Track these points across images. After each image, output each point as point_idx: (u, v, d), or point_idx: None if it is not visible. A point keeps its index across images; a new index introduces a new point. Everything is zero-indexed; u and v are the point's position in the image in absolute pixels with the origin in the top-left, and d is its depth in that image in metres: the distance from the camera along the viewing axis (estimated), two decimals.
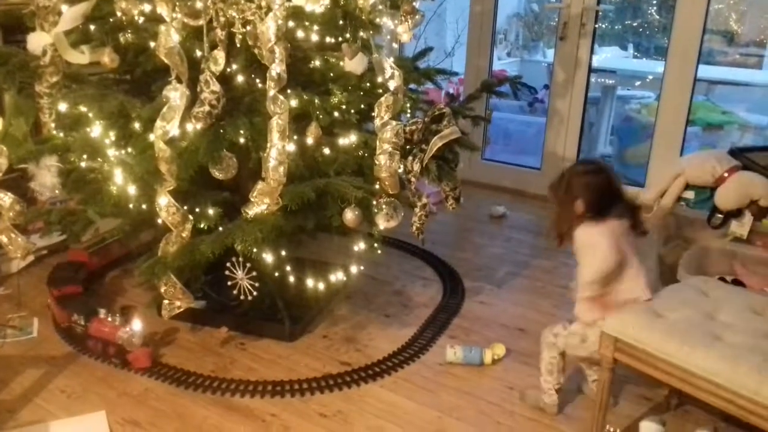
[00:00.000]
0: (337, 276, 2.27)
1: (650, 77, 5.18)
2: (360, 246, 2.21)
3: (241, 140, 2.02)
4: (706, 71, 4.95)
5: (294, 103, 2.10)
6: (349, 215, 2.03)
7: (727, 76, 5.36)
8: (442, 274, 3.02)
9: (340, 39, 2.25)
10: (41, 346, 2.34)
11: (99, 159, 1.99)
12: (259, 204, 1.97)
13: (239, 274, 1.99)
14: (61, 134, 2.12)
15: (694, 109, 4.12)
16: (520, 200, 4.03)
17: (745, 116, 4.77)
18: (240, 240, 1.83)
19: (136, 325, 2.24)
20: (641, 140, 4.62)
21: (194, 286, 2.30)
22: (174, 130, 1.94)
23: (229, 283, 2.04)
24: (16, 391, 2.07)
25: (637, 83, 5.11)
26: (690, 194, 2.39)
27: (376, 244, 2.26)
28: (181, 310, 2.10)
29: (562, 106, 3.86)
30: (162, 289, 2.00)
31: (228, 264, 1.98)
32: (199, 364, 2.26)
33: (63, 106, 2.04)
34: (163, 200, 1.92)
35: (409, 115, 2.46)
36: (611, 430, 1.90)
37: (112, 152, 1.97)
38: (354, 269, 2.30)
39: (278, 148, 1.96)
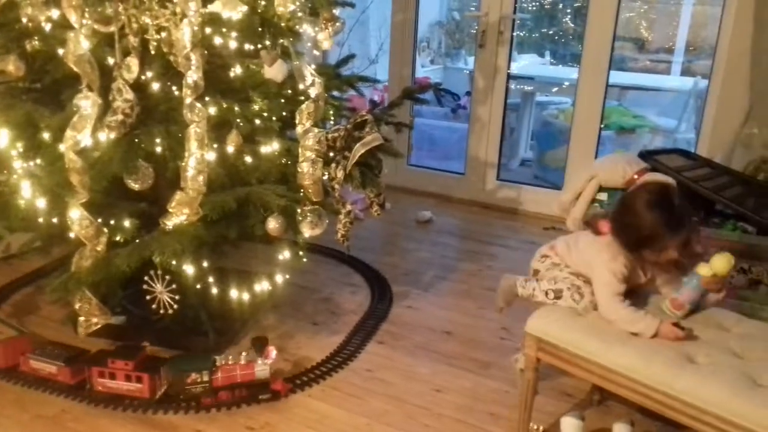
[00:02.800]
0: (262, 286, 2.24)
1: (566, 83, 5.37)
2: (285, 254, 2.19)
3: (158, 149, 1.97)
4: (618, 77, 5.18)
5: (213, 110, 2.06)
6: (273, 224, 2.00)
7: (638, 82, 5.62)
8: (370, 279, 3.03)
9: (259, 46, 2.23)
10: None
11: (5, 171, 1.89)
12: (178, 214, 1.93)
13: (158, 287, 1.93)
14: None
15: (607, 113, 4.30)
16: (445, 205, 4.09)
17: (655, 120, 5.01)
18: (158, 252, 1.78)
19: (273, 353, 2.19)
20: (559, 144, 4.78)
21: (113, 301, 2.22)
22: (86, 140, 1.88)
23: (148, 297, 1.98)
24: None
25: (554, 89, 5.29)
26: (603, 196, 2.49)
27: (301, 253, 2.24)
28: (99, 326, 2.02)
29: (483, 112, 3.94)
30: (77, 306, 1.92)
31: (146, 278, 1.92)
32: None
33: None
34: (75, 213, 1.84)
35: (332, 123, 2.46)
36: (535, 428, 1.95)
37: (19, 164, 1.88)
38: (279, 278, 2.27)
39: (197, 157, 1.92)
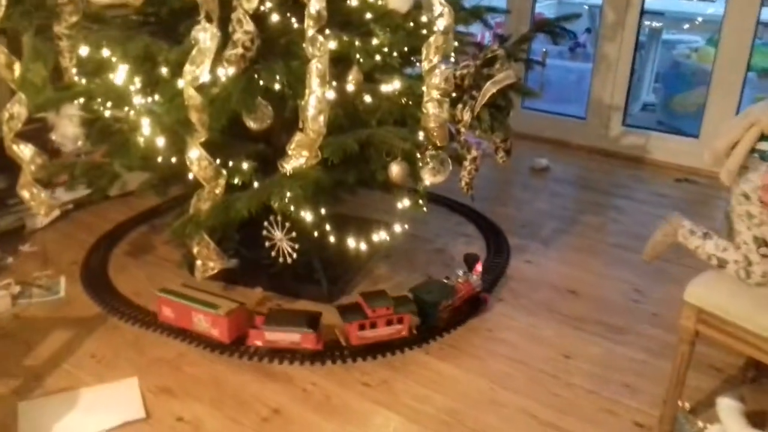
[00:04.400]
0: (378, 235, 2.11)
1: (699, 19, 4.86)
2: (404, 203, 2.04)
3: (277, 86, 1.84)
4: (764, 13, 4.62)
5: (333, 45, 1.90)
6: (395, 169, 1.85)
7: None
8: (485, 230, 2.85)
9: None
10: (69, 306, 2.23)
11: (124, 108, 1.82)
12: (297, 157, 1.81)
13: (277, 234, 1.84)
14: (84, 80, 1.95)
15: None
16: (563, 151, 3.81)
17: None
18: (277, 197, 1.67)
19: (480, 267, 2.26)
20: (690, 87, 4.35)
21: (226, 244, 2.16)
22: (204, 75, 1.77)
23: (267, 243, 1.89)
24: (43, 356, 1.97)
25: (686, 26, 4.78)
26: (765, 146, 2.17)
27: (421, 201, 2.09)
28: (215, 271, 1.96)
29: (610, 51, 3.60)
30: (194, 250, 1.85)
31: (266, 224, 1.82)
32: None
33: (84, 50, 1.87)
34: (194, 153, 1.76)
35: (453, 59, 2.25)
36: (682, 405, 1.75)
37: (138, 100, 1.80)
38: (397, 228, 2.13)
39: (318, 96, 1.78)
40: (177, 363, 1.96)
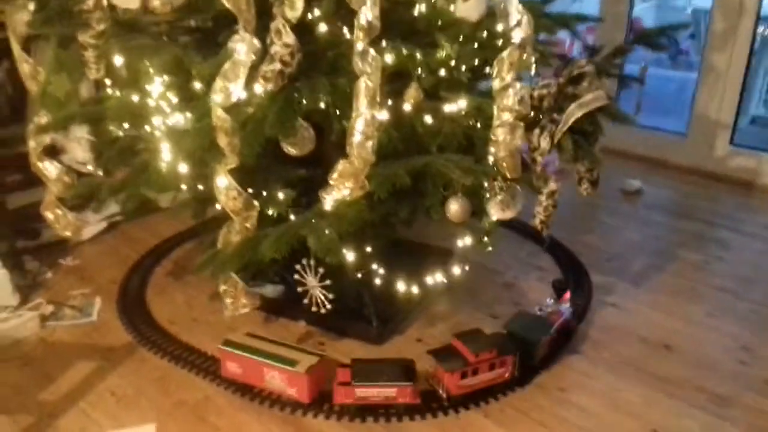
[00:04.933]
0: (435, 277, 1.84)
1: None
2: (466, 241, 1.75)
3: (321, 106, 1.59)
4: None
5: (389, 58, 1.64)
6: (454, 207, 1.58)
7: None
8: (563, 263, 2.52)
9: None
10: (99, 332, 2.07)
11: (144, 126, 1.63)
12: (340, 188, 1.56)
13: (310, 279, 1.60)
14: (117, 93, 1.78)
15: None
16: (658, 172, 3.40)
17: None
18: (312, 238, 1.42)
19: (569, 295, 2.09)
20: None
21: (272, 268, 1.95)
22: (238, 92, 1.55)
23: (300, 289, 1.66)
24: (61, 390, 1.81)
25: None
26: None
27: (487, 238, 1.80)
28: (248, 310, 1.75)
29: (719, 61, 3.16)
30: (221, 289, 1.64)
31: (298, 267, 1.59)
32: None
33: (117, 60, 1.69)
34: (222, 181, 1.54)
35: (533, 74, 1.94)
36: None
37: (157, 120, 1.60)
38: (457, 269, 1.86)
39: (366, 119, 1.53)
40: (201, 410, 1.75)
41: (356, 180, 1.55)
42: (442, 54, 1.76)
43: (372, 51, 1.53)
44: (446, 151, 1.71)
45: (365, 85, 1.51)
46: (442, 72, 1.78)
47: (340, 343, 2.02)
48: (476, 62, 1.80)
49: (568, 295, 2.09)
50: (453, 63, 1.78)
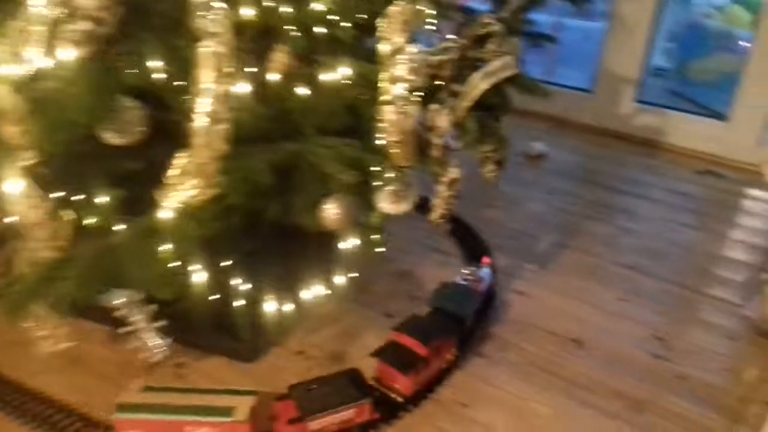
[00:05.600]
0: (312, 291, 1.52)
1: None
2: (350, 243, 1.44)
3: (154, 78, 1.20)
4: None
5: (247, 12, 1.27)
6: (331, 211, 1.25)
7: None
8: (466, 244, 2.26)
9: None
10: None
11: None
12: (181, 190, 1.19)
13: (139, 319, 1.24)
14: None
15: None
16: (563, 132, 3.20)
17: None
18: (136, 268, 1.06)
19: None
20: (709, 52, 3.74)
21: None
22: (38, 60, 1.13)
23: (121, 331, 1.29)
24: None
25: None
26: None
27: (376, 237, 1.49)
28: (70, 343, 1.36)
29: (629, 10, 2.95)
30: (26, 328, 1.25)
31: (117, 302, 1.22)
32: (108, 398, 1.52)
33: None
34: (15, 185, 1.13)
35: (432, 35, 1.61)
36: None
37: None
38: (341, 278, 1.54)
39: (214, 95, 1.15)
40: None
41: (204, 177, 1.18)
42: (317, 7, 1.41)
43: (219, 2, 1.15)
44: (327, 134, 1.38)
45: (209, 51, 1.13)
46: (320, 30, 1.42)
47: (205, 363, 1.68)
48: (364, 16, 1.46)
49: (488, 259, 1.96)
50: (332, 19, 1.43)
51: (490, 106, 1.39)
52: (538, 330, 1.88)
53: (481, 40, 1.40)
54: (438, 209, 1.45)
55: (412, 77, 1.28)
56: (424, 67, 1.30)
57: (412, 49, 1.29)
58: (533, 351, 1.80)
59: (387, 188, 1.40)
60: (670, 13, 4.25)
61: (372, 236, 1.46)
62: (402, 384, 1.54)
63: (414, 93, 1.29)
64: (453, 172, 1.43)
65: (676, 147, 2.98)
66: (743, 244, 2.33)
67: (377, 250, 1.47)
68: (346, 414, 1.42)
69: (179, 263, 1.18)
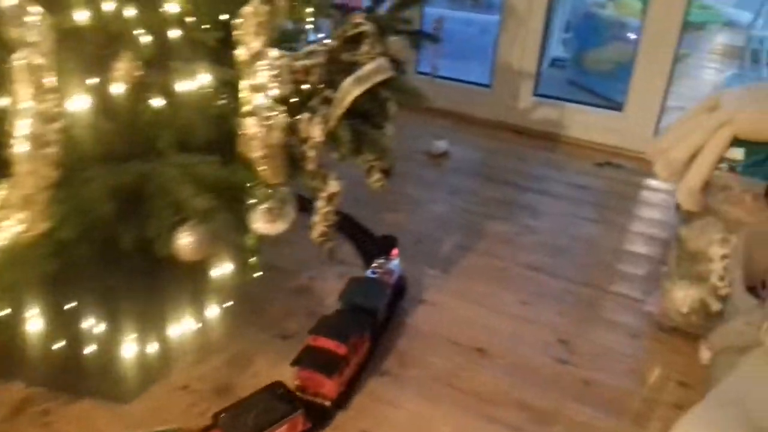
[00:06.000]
0: (185, 322, 1.37)
1: None
2: (222, 269, 1.29)
3: None
4: None
5: (80, 16, 1.10)
6: (184, 241, 1.10)
7: None
8: (367, 252, 2.15)
9: None
10: None
11: None
12: (5, 227, 1.01)
13: None
14: None
15: None
16: (465, 128, 3.14)
17: (729, 12, 3.96)
18: None
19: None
20: (604, 42, 3.79)
21: None
22: None
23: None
24: None
25: None
26: (739, 153, 1.58)
27: (251, 261, 1.35)
28: None
29: (519, 1, 2.91)
30: None
31: None
32: None
33: None
34: None
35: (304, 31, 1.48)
36: None
37: None
38: (213, 310, 1.40)
39: (35, 115, 0.99)
40: None
41: (31, 210, 1.01)
42: (170, 6, 1.26)
43: (35, 7, 0.98)
44: (188, 150, 1.23)
45: (25, 62, 0.96)
46: (174, 32, 1.27)
47: (74, 407, 1.50)
48: (226, 16, 1.32)
49: (396, 251, 1.93)
50: (188, 20, 1.28)
51: (366, 113, 1.27)
52: (442, 341, 1.79)
53: (353, 42, 1.28)
54: (318, 227, 1.33)
55: (274, 85, 1.15)
56: (288, 73, 1.17)
57: (273, 53, 1.16)
58: (437, 364, 1.70)
59: (260, 207, 1.26)
60: (566, 4, 4.30)
61: (248, 259, 1.32)
62: (328, 387, 1.50)
63: (279, 102, 1.16)
64: (332, 186, 1.30)
65: (574, 139, 2.98)
66: (643, 236, 2.32)
67: (254, 274, 1.33)
68: (281, 431, 1.37)
69: (9, 310, 1.01)
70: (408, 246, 2.17)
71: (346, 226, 2.25)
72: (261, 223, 1.27)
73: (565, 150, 2.96)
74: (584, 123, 2.96)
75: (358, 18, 1.26)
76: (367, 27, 1.25)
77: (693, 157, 1.60)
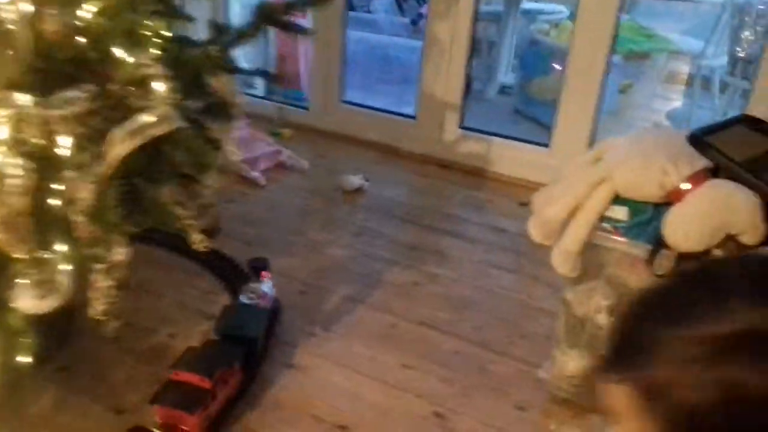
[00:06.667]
0: None
1: None
2: None
3: None
4: None
5: None
6: None
7: None
8: (235, 279, 1.94)
9: None
10: None
11: None
12: None
13: None
14: None
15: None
16: (390, 161, 2.94)
17: (676, 40, 3.80)
18: None
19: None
20: (549, 70, 3.62)
21: None
22: None
23: None
24: None
25: None
26: (621, 213, 1.38)
27: (25, 341, 1.14)
28: None
29: (442, 29, 2.73)
30: None
31: None
32: None
33: None
34: None
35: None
36: None
37: None
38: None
39: None
40: None
41: None
42: None
43: None
44: None
45: None
46: None
47: None
48: None
49: (267, 273, 1.87)
50: None
51: (152, 174, 1.07)
52: (303, 415, 1.58)
53: (138, 85, 1.08)
54: (97, 303, 1.11)
55: (18, 138, 0.95)
56: (37, 124, 0.96)
57: (20, 100, 0.96)
58: None
59: (23, 281, 1.05)
60: (515, 29, 4.14)
61: (17, 340, 1.11)
62: (191, 424, 1.41)
63: (22, 159, 0.96)
64: (118, 254, 1.10)
65: (501, 175, 2.79)
66: (555, 289, 2.12)
67: (24, 359, 1.12)
68: None
69: None
70: (291, 297, 1.97)
71: (229, 270, 2.05)
72: (26, 300, 1.07)
73: (491, 187, 2.77)
74: (511, 158, 2.78)
75: (145, 59, 1.06)
76: (153, 70, 1.06)
77: (570, 215, 1.40)
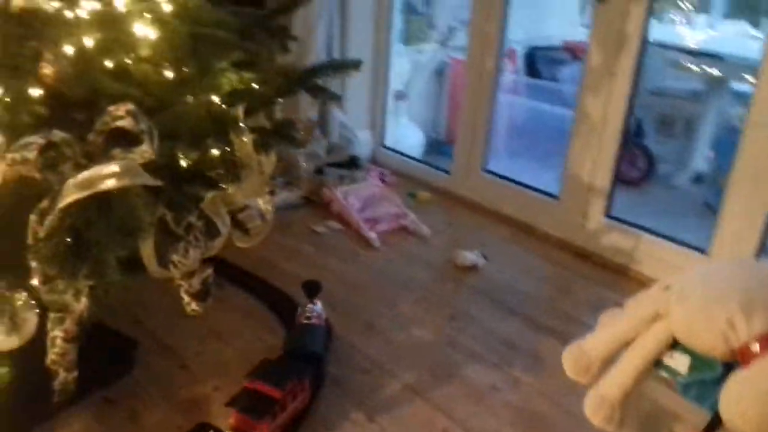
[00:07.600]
0: None
1: None
2: None
3: None
4: None
5: None
6: None
7: None
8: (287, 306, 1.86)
9: None
10: None
11: None
12: None
13: None
14: None
15: None
16: (520, 241, 2.69)
17: None
18: None
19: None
20: None
21: None
22: None
23: None
24: None
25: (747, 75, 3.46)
26: (682, 363, 1.05)
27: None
28: None
29: (594, 107, 2.45)
30: None
31: None
32: None
33: None
34: None
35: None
36: None
37: None
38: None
39: None
40: None
41: None
42: None
43: None
44: None
45: None
46: None
47: None
48: None
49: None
50: None
51: (97, 227, 1.02)
52: None
53: (115, 140, 1.05)
54: (52, 357, 1.09)
55: None
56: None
57: None
58: None
59: None
60: (716, 114, 3.61)
61: None
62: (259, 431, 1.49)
63: None
64: (76, 306, 1.07)
65: (645, 277, 2.38)
66: None
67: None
68: None
69: None
70: (352, 374, 1.83)
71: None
72: None
73: (629, 289, 2.36)
74: (660, 259, 2.37)
75: (122, 110, 1.03)
76: (127, 122, 1.02)
77: (614, 352, 1.10)
